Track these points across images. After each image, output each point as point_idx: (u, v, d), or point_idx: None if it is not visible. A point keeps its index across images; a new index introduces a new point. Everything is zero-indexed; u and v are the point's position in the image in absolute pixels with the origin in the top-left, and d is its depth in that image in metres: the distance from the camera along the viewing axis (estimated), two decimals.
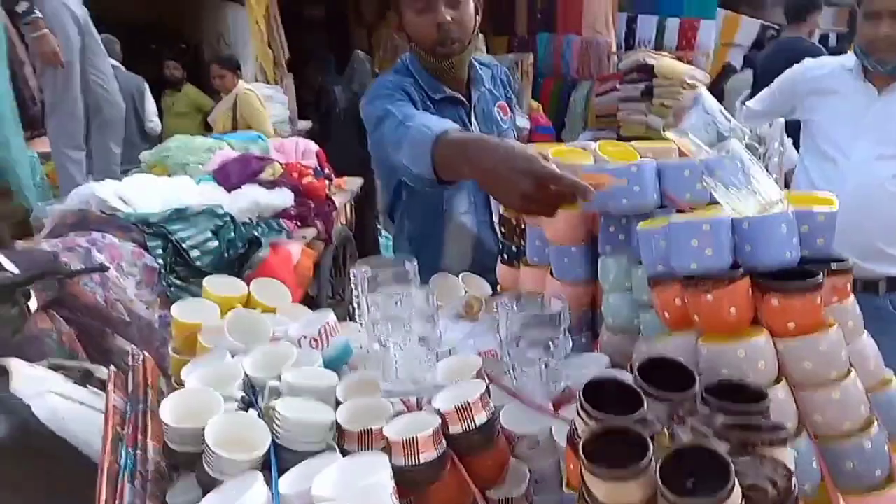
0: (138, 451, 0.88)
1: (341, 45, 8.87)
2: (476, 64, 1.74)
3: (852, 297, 0.96)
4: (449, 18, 1.54)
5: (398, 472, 0.87)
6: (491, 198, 1.68)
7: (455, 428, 0.90)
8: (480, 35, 7.96)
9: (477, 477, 0.95)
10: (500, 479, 0.97)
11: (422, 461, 0.86)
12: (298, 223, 3.20)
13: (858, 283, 2.04)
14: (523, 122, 6.70)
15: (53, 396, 1.25)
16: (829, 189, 2.04)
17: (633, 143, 1.34)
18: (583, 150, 1.32)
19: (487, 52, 8.26)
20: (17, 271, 1.35)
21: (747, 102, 2.58)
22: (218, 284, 1.27)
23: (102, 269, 1.69)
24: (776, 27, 9.10)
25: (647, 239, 1.01)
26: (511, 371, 1.08)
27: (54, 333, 1.86)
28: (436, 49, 1.59)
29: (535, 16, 9.45)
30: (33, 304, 1.32)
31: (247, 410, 0.86)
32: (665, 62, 6.91)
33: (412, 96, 1.56)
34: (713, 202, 1.01)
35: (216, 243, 2.55)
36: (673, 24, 8.92)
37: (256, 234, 2.74)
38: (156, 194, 2.82)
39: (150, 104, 5.74)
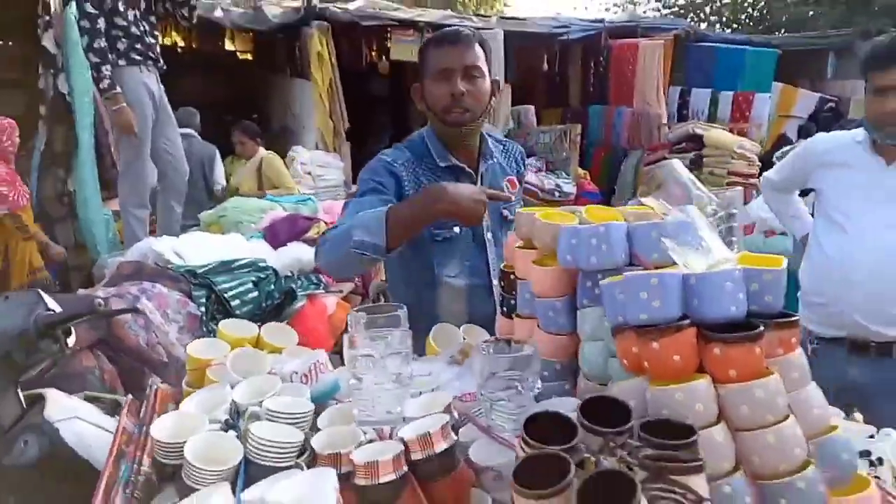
0: (135, 465, 1.00)
1: (401, 119, 9.44)
2: (489, 139, 1.88)
3: (799, 350, 1.00)
4: (462, 90, 1.69)
5: (361, 492, 0.96)
6: (490, 260, 1.79)
7: (416, 455, 0.99)
8: (531, 108, 8.26)
9: (438, 502, 1.02)
10: None
11: (381, 481, 0.94)
12: (336, 280, 3.37)
13: (872, 348, 2.04)
14: (570, 188, 6.84)
15: (81, 422, 1.38)
16: (841, 258, 2.09)
17: (627, 209, 1.43)
18: (570, 213, 1.42)
19: (539, 123, 8.55)
20: (59, 310, 1.53)
21: (766, 173, 2.64)
22: (233, 327, 1.41)
23: (135, 310, 1.86)
24: (835, 99, 9.04)
25: (608, 292, 1.09)
26: (486, 409, 1.16)
27: (97, 371, 2.06)
28: (448, 116, 1.72)
29: (587, 89, 9.71)
30: (72, 340, 1.48)
31: (227, 431, 0.97)
32: (714, 133, 6.97)
33: (398, 176, 1.73)
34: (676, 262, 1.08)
35: (256, 294, 2.73)
36: (726, 97, 9.01)
37: (294, 286, 2.92)
38: (208, 250, 3.06)
39: (219, 169, 6.18)
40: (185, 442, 0.91)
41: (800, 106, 9.19)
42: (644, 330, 0.99)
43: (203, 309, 2.55)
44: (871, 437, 1.29)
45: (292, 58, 7.28)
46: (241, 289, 2.73)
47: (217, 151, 6.15)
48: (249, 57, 9.91)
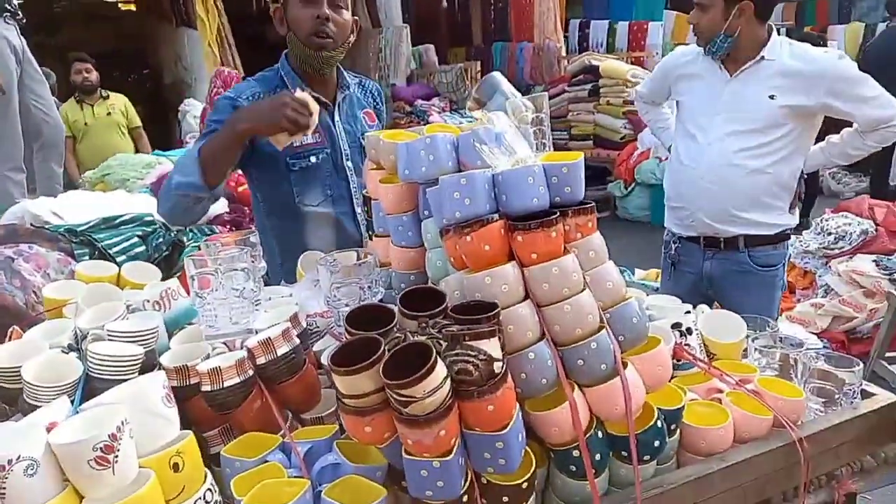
0: None
1: None
2: (346, 73, 1.92)
3: (597, 233, 1.13)
4: (327, 13, 1.72)
5: (208, 398, 1.04)
6: (352, 187, 1.86)
7: (260, 359, 1.06)
8: (431, 47, 8.22)
9: (289, 401, 1.11)
10: (311, 403, 1.14)
11: (226, 385, 1.02)
12: (233, 228, 3.35)
13: (721, 243, 2.27)
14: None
15: None
16: (691, 163, 2.28)
17: (465, 124, 1.51)
18: (413, 133, 1.48)
19: (443, 62, 8.53)
20: None
21: (636, 87, 2.80)
22: (91, 267, 1.43)
23: None
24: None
25: (433, 198, 1.18)
26: (336, 317, 1.25)
27: None
28: (311, 40, 1.73)
29: (489, 26, 9.73)
30: None
31: (68, 354, 1.02)
32: (608, 63, 7.16)
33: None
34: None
35: (143, 248, 2.69)
36: (623, 27, 9.25)
37: (185, 239, 2.89)
38: (90, 208, 2.97)
39: None
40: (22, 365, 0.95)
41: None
42: (459, 226, 1.08)
43: None
44: (688, 312, 1.46)
45: (176, 4, 6.90)
46: (125, 244, 2.68)
47: None
48: (133, 7, 9.31)
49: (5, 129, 3.55)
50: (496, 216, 1.08)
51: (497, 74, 1.44)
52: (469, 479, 0.95)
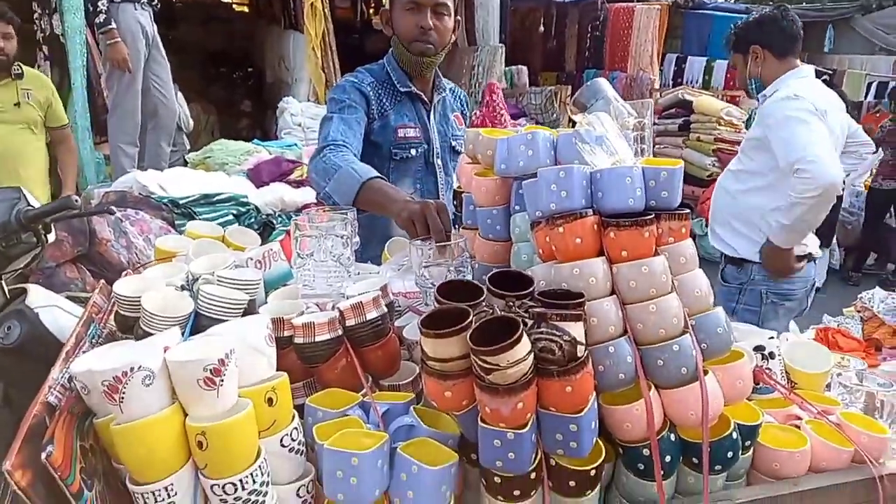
0: (101, 326, 1.14)
1: None
2: (442, 77, 2.03)
3: (689, 240, 1.13)
4: (431, 24, 1.83)
5: (299, 350, 1.10)
6: (439, 183, 1.97)
7: (350, 321, 1.12)
8: (524, 69, 8.29)
9: (370, 365, 1.16)
10: (390, 371, 1.19)
11: (316, 340, 1.08)
12: None
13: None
14: None
15: (60, 311, 1.52)
16: None
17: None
18: (512, 131, 1.53)
19: (534, 84, 8.59)
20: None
21: None
22: (199, 226, 1.54)
23: (109, 211, 1.96)
24: (830, 72, 9.08)
25: (528, 190, 1.21)
26: (424, 296, 1.30)
27: (79, 282, 2.19)
28: (413, 46, 1.85)
29: (584, 53, 9.74)
30: (51, 237, 1.60)
31: (181, 292, 1.11)
32: (703, 99, 7.03)
33: (367, 96, 1.85)
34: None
35: (236, 225, 2.85)
36: (720, 66, 9.06)
37: (274, 221, 3.04)
38: (191, 184, 3.18)
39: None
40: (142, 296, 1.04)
41: None
42: (552, 218, 1.12)
43: None
44: (772, 338, 1.44)
45: (287, 9, 7.28)
46: (221, 220, 2.85)
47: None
48: (246, 9, 9.89)
49: (127, 105, 3.85)
50: (590, 211, 1.11)
51: (601, 80, 1.47)
52: (539, 457, 0.98)
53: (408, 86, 1.91)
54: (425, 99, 1.95)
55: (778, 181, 2.31)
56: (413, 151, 1.91)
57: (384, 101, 1.89)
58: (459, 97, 2.12)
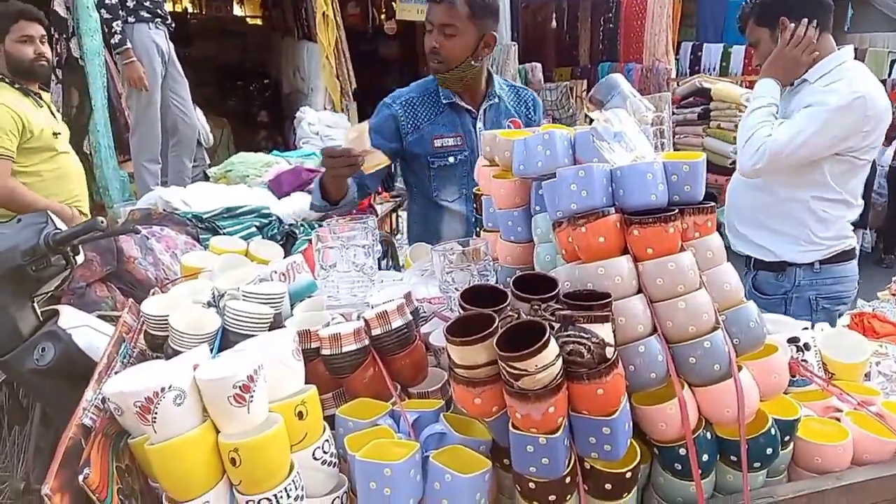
0: (132, 345, 1.15)
1: (412, 80, 9.45)
2: (500, 83, 2.10)
3: (716, 234, 1.11)
4: (434, 45, 1.94)
5: (327, 361, 1.10)
6: None
7: (376, 330, 1.12)
8: (538, 65, 8.25)
9: (398, 373, 1.16)
10: (418, 378, 1.18)
11: (344, 350, 1.08)
12: None
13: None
14: None
15: (92, 330, 1.55)
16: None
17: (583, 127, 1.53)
18: (530, 131, 1.52)
19: (549, 81, 8.53)
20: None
21: None
22: (223, 241, 1.56)
23: (135, 230, 2.00)
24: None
25: (548, 190, 1.20)
26: (448, 301, 1.30)
27: (110, 300, 2.22)
28: (430, 64, 1.99)
29: (597, 47, 9.65)
30: (80, 259, 1.63)
31: (208, 308, 1.12)
32: (721, 86, 6.92)
33: (396, 115, 2.01)
34: None
35: (259, 237, 2.87)
36: (738, 51, 8.91)
37: (297, 231, 3.06)
38: (214, 198, 3.21)
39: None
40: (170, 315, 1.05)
41: None
42: (574, 218, 1.10)
43: None
44: (806, 328, 1.40)
45: (300, 19, 7.34)
46: (245, 233, 2.88)
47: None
48: (259, 22, 9.98)
49: (146, 123, 3.91)
50: (612, 210, 1.09)
51: (617, 76, 1.45)
52: (573, 461, 0.96)
53: (450, 98, 2.02)
54: (470, 108, 2.03)
55: (815, 175, 2.05)
56: (451, 159, 2.02)
57: (419, 114, 2.02)
58: (525, 101, 2.18)
